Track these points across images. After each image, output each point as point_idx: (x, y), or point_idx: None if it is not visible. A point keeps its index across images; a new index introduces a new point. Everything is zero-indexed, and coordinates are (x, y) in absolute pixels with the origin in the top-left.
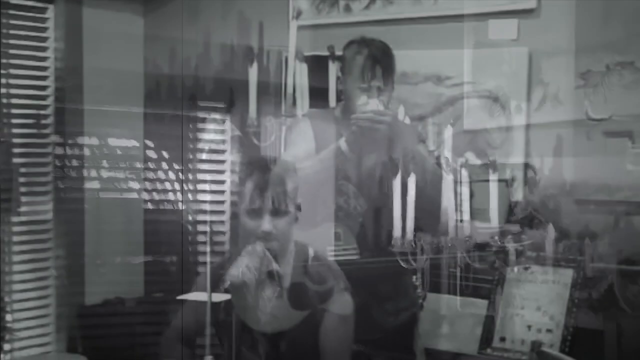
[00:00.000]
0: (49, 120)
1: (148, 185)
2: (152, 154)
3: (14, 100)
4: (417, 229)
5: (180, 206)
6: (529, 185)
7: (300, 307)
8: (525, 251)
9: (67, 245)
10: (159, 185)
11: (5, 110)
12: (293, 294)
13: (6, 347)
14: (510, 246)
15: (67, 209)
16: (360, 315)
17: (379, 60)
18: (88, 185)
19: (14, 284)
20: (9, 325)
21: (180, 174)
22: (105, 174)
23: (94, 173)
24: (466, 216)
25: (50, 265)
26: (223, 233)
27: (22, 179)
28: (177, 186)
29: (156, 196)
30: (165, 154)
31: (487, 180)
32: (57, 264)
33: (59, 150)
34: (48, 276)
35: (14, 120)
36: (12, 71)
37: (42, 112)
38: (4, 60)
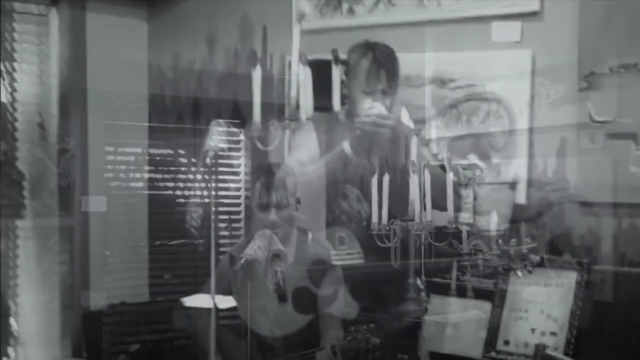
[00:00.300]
0: (53, 126)
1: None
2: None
3: (18, 106)
4: (391, 216)
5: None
6: (477, 180)
7: (305, 311)
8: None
9: (72, 250)
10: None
11: (9, 116)
12: (297, 298)
13: (11, 353)
14: (464, 228)
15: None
16: (364, 319)
17: (383, 64)
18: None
19: (18, 288)
20: (13, 331)
21: (203, 175)
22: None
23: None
24: (429, 206)
25: (54, 271)
26: (239, 221)
27: (26, 184)
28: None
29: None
30: (193, 160)
31: (491, 183)
32: (61, 269)
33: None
34: (52, 281)
35: (18, 126)
36: (16, 76)
37: (46, 117)
38: (8, 66)
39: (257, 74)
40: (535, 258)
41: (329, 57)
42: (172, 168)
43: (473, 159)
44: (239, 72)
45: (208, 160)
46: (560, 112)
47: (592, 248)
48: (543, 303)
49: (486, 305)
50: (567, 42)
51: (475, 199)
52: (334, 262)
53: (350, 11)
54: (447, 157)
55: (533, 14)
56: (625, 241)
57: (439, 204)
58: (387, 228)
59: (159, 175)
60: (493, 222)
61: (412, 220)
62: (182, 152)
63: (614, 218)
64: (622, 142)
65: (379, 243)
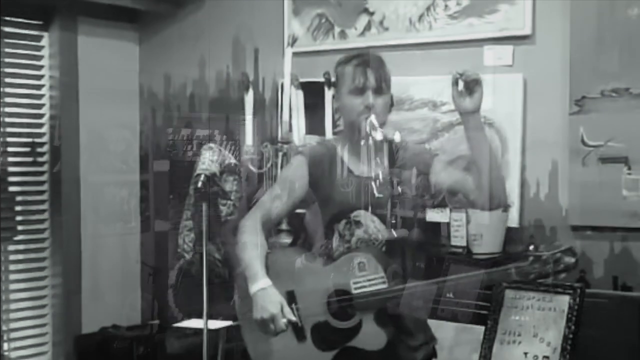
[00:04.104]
0: (45, 149)
1: None
2: None
3: (10, 129)
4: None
5: None
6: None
7: (326, 347)
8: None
9: (64, 273)
10: None
11: (0, 139)
12: (317, 334)
13: None
14: (394, 179)
15: (63, 236)
16: (387, 351)
17: (369, 64)
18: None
19: (11, 313)
20: (6, 353)
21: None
22: None
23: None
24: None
25: (47, 294)
26: None
27: (18, 207)
28: None
29: None
30: None
31: None
32: (54, 292)
33: None
34: (45, 305)
35: (10, 149)
36: (8, 100)
37: (37, 140)
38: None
39: (249, 97)
40: (571, 260)
41: (321, 79)
42: None
43: None
44: (230, 94)
45: (200, 184)
46: (552, 136)
47: (584, 272)
48: (536, 327)
49: (479, 329)
50: (559, 66)
51: (468, 222)
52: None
53: (342, 35)
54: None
55: (525, 38)
56: (617, 265)
57: None
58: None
59: None
60: (413, 176)
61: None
62: None
63: (607, 242)
64: (614, 166)
65: (340, 189)
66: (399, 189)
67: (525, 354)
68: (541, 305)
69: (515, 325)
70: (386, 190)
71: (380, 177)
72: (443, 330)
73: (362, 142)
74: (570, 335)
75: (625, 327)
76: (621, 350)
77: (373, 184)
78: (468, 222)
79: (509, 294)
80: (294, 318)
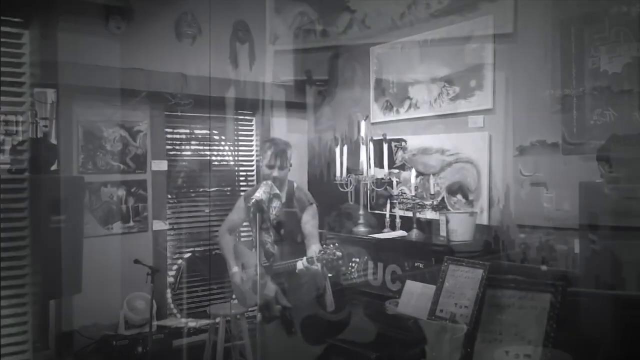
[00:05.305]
0: (25, 147)
1: None
2: None
3: None
4: (349, 172)
5: None
6: (402, 149)
7: (316, 341)
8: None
9: (44, 270)
10: None
11: None
12: (307, 327)
13: None
14: (394, 179)
15: (43, 234)
16: (377, 345)
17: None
18: None
19: None
20: None
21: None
22: None
23: None
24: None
25: (27, 292)
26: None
27: None
28: None
29: None
30: None
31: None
32: (34, 290)
33: None
34: (25, 302)
35: None
36: None
37: (17, 138)
38: None
39: (230, 94)
40: (563, 247)
41: (303, 77)
42: None
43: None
44: (212, 93)
45: (180, 182)
46: (536, 134)
47: (566, 270)
48: (518, 325)
49: (461, 327)
50: (541, 65)
51: (448, 222)
52: (310, 201)
53: (324, 33)
54: (384, 135)
55: (507, 36)
56: (599, 264)
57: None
58: (346, 179)
59: None
60: (412, 176)
61: (362, 174)
62: None
63: (588, 240)
64: (596, 164)
65: (340, 189)
66: (398, 188)
67: (507, 352)
68: (523, 303)
69: (496, 323)
70: (385, 190)
71: (379, 175)
72: (425, 328)
73: (362, 142)
74: (552, 333)
75: (607, 324)
76: (603, 347)
77: (372, 182)
78: (448, 221)
79: (490, 292)
80: (288, 304)
